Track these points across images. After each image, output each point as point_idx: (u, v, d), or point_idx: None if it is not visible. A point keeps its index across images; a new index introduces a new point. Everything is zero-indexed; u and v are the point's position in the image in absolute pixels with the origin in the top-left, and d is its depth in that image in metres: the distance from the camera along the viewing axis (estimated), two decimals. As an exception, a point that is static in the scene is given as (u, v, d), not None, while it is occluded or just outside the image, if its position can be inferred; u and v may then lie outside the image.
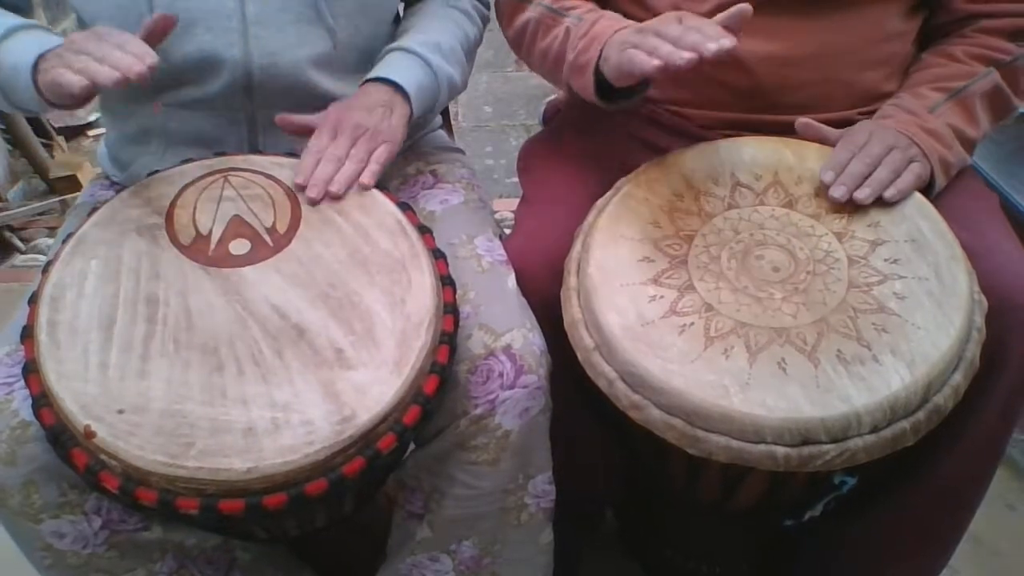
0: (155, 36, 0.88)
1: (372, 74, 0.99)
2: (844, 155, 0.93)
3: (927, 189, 0.94)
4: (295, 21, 0.97)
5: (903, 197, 0.91)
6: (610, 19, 0.98)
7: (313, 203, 0.90)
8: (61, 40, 0.88)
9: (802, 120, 0.99)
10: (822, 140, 0.98)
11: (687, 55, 0.82)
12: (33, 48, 0.87)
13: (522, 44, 1.10)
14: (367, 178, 0.93)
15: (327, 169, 0.92)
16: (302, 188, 0.91)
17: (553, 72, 1.06)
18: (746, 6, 0.88)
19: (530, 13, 1.06)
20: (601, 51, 0.94)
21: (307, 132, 0.95)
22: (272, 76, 0.97)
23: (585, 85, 0.98)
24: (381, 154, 0.95)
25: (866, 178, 0.91)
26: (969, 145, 0.98)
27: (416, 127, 1.18)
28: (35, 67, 0.86)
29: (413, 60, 1.01)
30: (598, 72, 0.95)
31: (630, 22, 0.96)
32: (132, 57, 0.80)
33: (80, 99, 0.84)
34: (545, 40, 1.04)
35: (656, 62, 0.84)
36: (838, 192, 0.90)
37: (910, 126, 0.94)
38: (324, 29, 0.98)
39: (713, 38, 0.82)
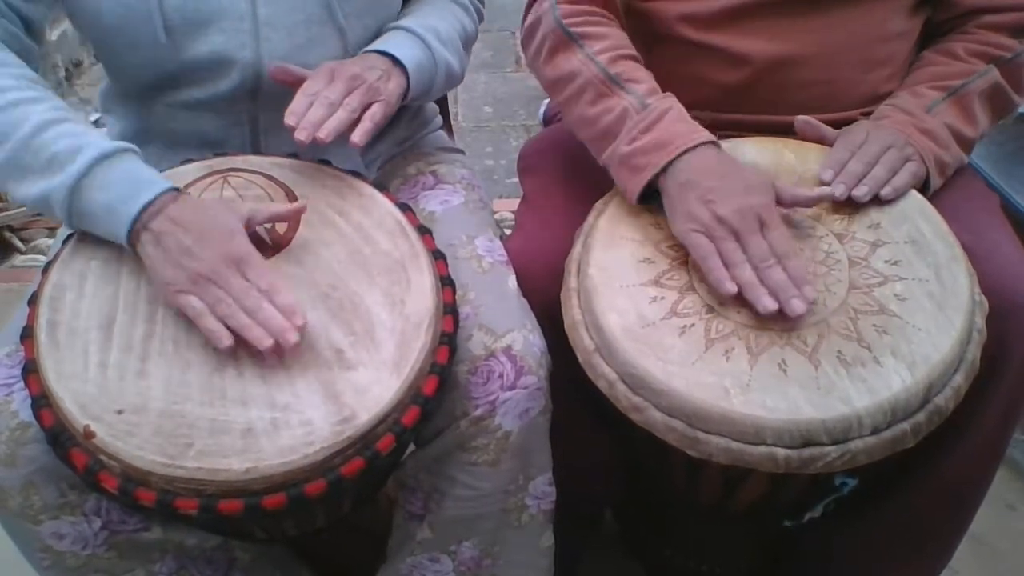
0: (290, 223, 0.87)
1: (371, 47, 0.99)
2: (843, 154, 0.93)
3: (922, 190, 0.94)
4: (306, 23, 0.96)
5: (898, 196, 0.91)
6: (677, 119, 0.91)
7: (302, 146, 0.87)
8: (162, 184, 0.80)
9: (801, 118, 0.99)
10: (821, 139, 0.98)
11: (769, 304, 0.80)
12: (133, 197, 0.79)
13: (561, 93, 1.00)
14: (358, 136, 0.89)
15: (319, 112, 0.88)
16: (292, 129, 0.86)
17: (593, 143, 0.97)
18: (826, 191, 0.90)
19: (579, 65, 0.96)
20: (668, 165, 0.88)
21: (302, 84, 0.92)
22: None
23: (631, 187, 0.91)
24: (376, 112, 0.92)
25: (864, 177, 0.91)
26: (967, 144, 0.98)
27: (416, 127, 1.19)
28: (136, 220, 0.79)
29: (412, 39, 1.00)
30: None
31: (699, 129, 0.91)
32: (283, 320, 0.76)
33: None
34: (595, 108, 0.95)
35: (731, 288, 0.82)
36: (837, 190, 0.90)
37: (906, 127, 0.94)
38: (335, 30, 0.98)
39: (798, 290, 0.80)
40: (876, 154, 0.92)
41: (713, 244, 0.84)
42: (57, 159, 0.79)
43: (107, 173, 0.80)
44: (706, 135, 0.90)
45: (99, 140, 0.81)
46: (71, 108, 0.85)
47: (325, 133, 0.87)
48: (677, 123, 0.91)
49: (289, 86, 0.92)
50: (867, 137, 0.93)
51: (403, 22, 1.03)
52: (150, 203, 0.79)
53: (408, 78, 0.97)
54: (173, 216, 0.79)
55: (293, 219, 0.88)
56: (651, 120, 0.91)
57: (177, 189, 0.82)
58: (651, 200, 0.92)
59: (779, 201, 0.87)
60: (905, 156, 0.92)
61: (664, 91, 0.95)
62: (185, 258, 0.77)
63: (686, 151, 0.88)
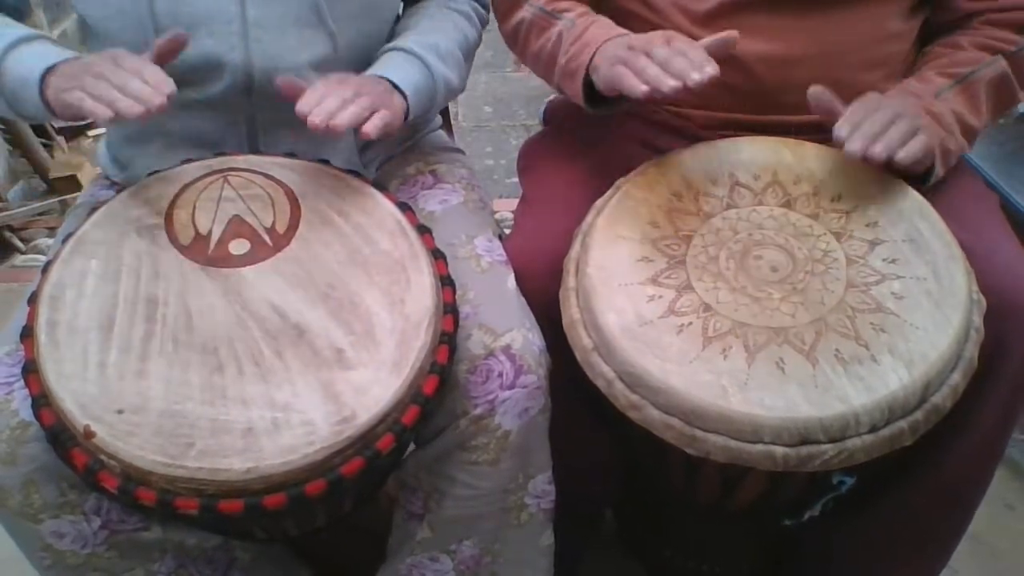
0: (166, 56, 0.88)
1: (370, 72, 0.99)
2: (858, 114, 0.90)
3: (925, 177, 0.93)
4: (296, 24, 0.96)
5: (911, 161, 0.88)
6: (601, 26, 1.00)
7: (315, 128, 0.85)
8: (68, 53, 0.89)
9: (816, 87, 0.95)
10: (832, 112, 0.95)
11: (672, 83, 0.85)
12: (40, 61, 0.88)
13: (516, 43, 1.12)
14: (371, 128, 0.88)
15: (333, 102, 0.87)
16: (304, 116, 0.86)
17: (546, 74, 1.08)
18: (734, 33, 0.92)
19: (524, 13, 1.07)
20: (592, 58, 0.96)
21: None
22: (272, 80, 0.97)
23: (575, 90, 1.00)
24: (386, 115, 0.91)
25: (879, 136, 0.88)
26: (971, 133, 0.97)
27: (416, 127, 1.19)
28: (43, 80, 0.87)
29: (411, 61, 1.00)
30: (587, 78, 0.97)
31: (621, 30, 0.98)
32: (151, 88, 0.82)
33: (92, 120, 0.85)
34: (538, 42, 1.06)
35: (644, 87, 0.87)
36: (855, 145, 0.87)
37: (915, 106, 0.93)
38: (325, 33, 0.98)
39: (698, 66, 0.85)
40: (889, 119, 0.90)
41: (627, 67, 0.90)
42: None
43: (22, 53, 0.89)
44: (623, 31, 0.98)
45: (15, 30, 0.91)
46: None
47: (340, 120, 0.86)
48: (599, 28, 1.00)
49: (293, 99, 0.92)
50: (880, 104, 0.91)
51: (400, 42, 1.03)
52: (59, 63, 0.87)
53: (407, 102, 0.97)
54: (75, 60, 0.88)
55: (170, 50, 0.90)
56: (579, 31, 1.00)
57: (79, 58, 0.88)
58: (609, 103, 0.99)
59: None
60: (916, 127, 0.90)
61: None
62: (75, 69, 0.85)
63: (605, 41, 0.96)
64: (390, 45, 1.03)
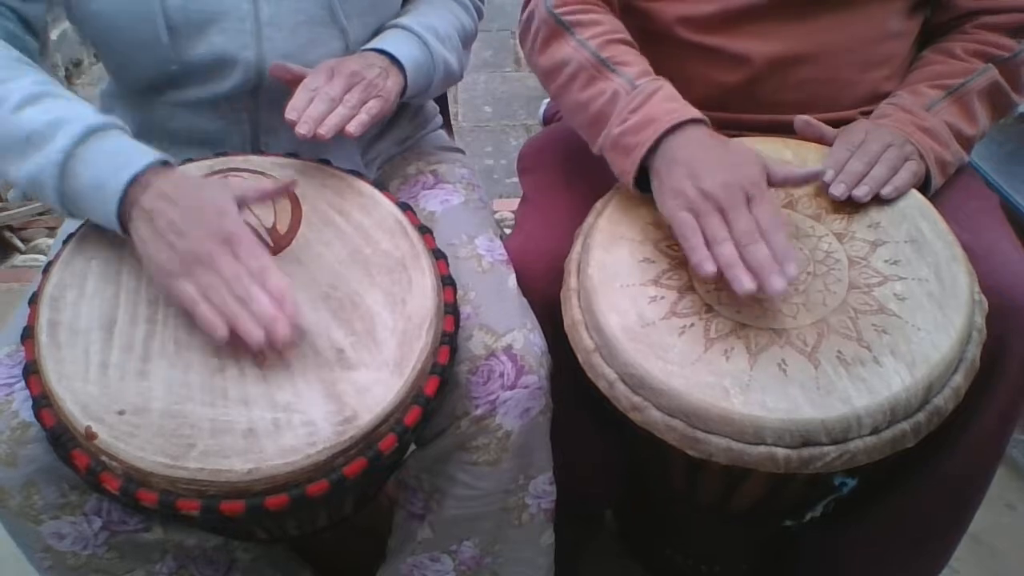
0: (292, 223, 0.87)
1: (369, 46, 0.99)
2: (842, 153, 0.93)
3: (924, 188, 0.94)
4: (308, 22, 0.96)
5: (899, 195, 0.91)
6: (667, 98, 0.91)
7: (303, 139, 0.87)
8: (150, 157, 0.78)
9: (801, 118, 0.99)
10: (820, 139, 0.98)
11: (747, 284, 0.78)
12: (122, 169, 0.77)
13: (554, 81, 1.00)
14: (354, 127, 0.89)
15: (320, 107, 0.88)
16: (293, 124, 0.87)
17: (586, 129, 0.97)
18: (821, 170, 0.89)
19: (571, 52, 0.96)
20: (656, 143, 0.88)
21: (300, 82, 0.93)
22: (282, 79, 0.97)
23: (624, 168, 0.91)
24: (373, 106, 0.92)
25: (864, 176, 0.91)
26: (967, 143, 0.98)
27: (416, 127, 1.19)
28: (124, 198, 0.76)
29: (410, 37, 1.01)
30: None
31: (688, 107, 0.90)
32: (274, 310, 0.74)
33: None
34: (586, 92, 0.95)
35: (711, 269, 0.79)
36: (838, 190, 0.90)
37: (906, 125, 0.94)
38: (337, 30, 0.98)
39: (779, 267, 0.78)
40: (876, 153, 0.92)
41: (697, 221, 0.83)
42: (40, 135, 0.76)
43: (95, 147, 0.77)
44: (695, 112, 0.89)
45: (86, 113, 0.79)
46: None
47: (326, 129, 0.87)
48: (666, 102, 0.90)
49: (288, 84, 0.93)
50: (867, 136, 0.93)
51: (401, 21, 1.03)
52: (140, 173, 0.76)
53: (406, 76, 0.98)
54: (164, 191, 0.77)
55: (283, 194, 0.89)
56: (640, 100, 0.90)
57: (167, 162, 0.79)
58: (648, 187, 0.91)
59: (770, 180, 0.86)
60: (905, 155, 0.92)
61: None
62: (176, 237, 0.75)
63: (674, 127, 0.87)
64: (389, 24, 1.03)
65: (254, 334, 0.73)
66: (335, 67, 0.92)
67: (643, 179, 0.91)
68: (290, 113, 0.88)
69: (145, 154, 0.78)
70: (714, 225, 0.81)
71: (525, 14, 1.05)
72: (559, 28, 0.98)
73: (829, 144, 0.97)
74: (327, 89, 0.90)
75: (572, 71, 0.96)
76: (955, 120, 0.96)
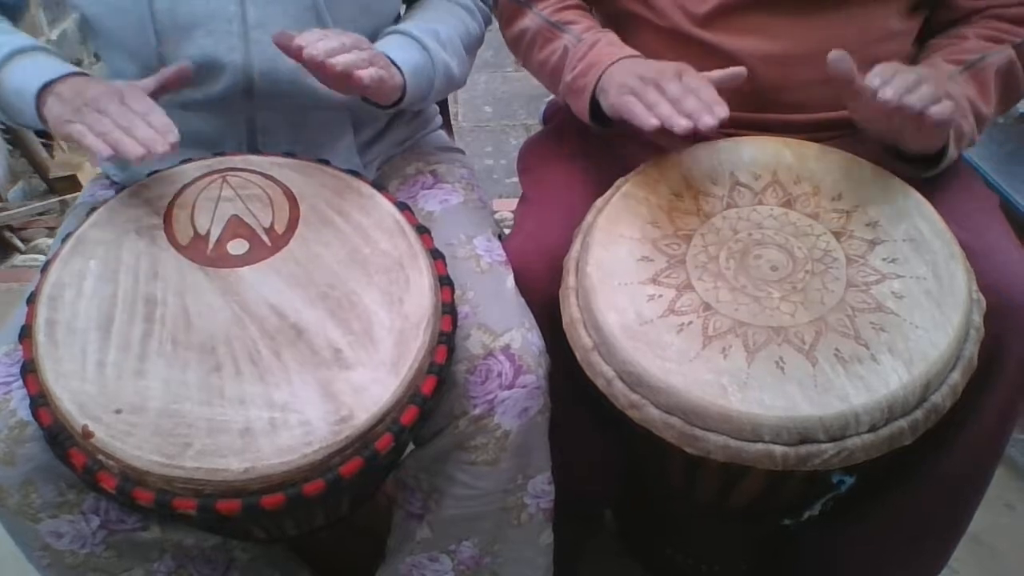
0: (172, 86, 0.89)
1: None
2: (888, 72, 0.86)
3: (937, 159, 0.92)
4: (296, 25, 0.95)
5: (943, 120, 0.84)
6: (608, 44, 1.01)
7: (312, 61, 0.85)
8: (66, 68, 0.88)
9: (837, 52, 0.89)
10: (850, 78, 0.89)
11: (684, 123, 0.87)
12: (36, 76, 0.87)
13: (519, 50, 1.13)
14: (365, 74, 0.86)
15: (331, 43, 0.86)
16: (300, 50, 0.85)
17: (550, 86, 1.09)
18: (741, 69, 0.95)
19: (528, 21, 1.08)
20: (599, 79, 0.98)
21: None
22: (273, 81, 0.97)
23: (580, 108, 1.02)
24: (381, 71, 0.89)
25: (910, 88, 0.85)
26: (981, 120, 0.96)
27: (416, 127, 1.19)
28: (39, 96, 0.86)
29: (410, 42, 1.00)
30: (593, 97, 0.99)
31: (629, 49, 1.00)
32: (155, 133, 0.81)
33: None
34: (543, 52, 1.07)
35: (654, 121, 0.89)
36: (889, 93, 0.84)
37: (937, 79, 0.89)
38: None
39: (709, 108, 0.87)
40: (916, 81, 0.86)
41: (636, 97, 0.92)
42: None
43: (21, 63, 0.89)
44: (632, 51, 1.00)
45: (15, 39, 0.91)
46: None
47: (336, 60, 0.85)
48: (607, 47, 1.01)
49: (291, 55, 0.88)
50: (905, 68, 0.88)
51: (401, 26, 1.03)
52: (56, 80, 0.86)
53: (404, 81, 0.97)
54: (74, 83, 0.87)
55: (174, 82, 0.91)
56: (585, 48, 1.02)
57: (84, 73, 0.88)
58: (608, 125, 1.01)
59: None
60: (941, 94, 0.86)
61: None
62: (76, 97, 0.84)
63: (613, 63, 0.98)
64: (389, 29, 1.03)
65: (136, 150, 0.80)
66: (343, 31, 0.90)
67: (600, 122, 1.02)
68: (300, 40, 0.85)
69: (65, 66, 0.89)
70: (652, 94, 0.91)
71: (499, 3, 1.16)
72: (517, 6, 1.11)
73: (858, 88, 0.88)
74: (338, 36, 0.87)
75: (531, 37, 1.09)
76: (972, 94, 0.95)
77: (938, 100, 0.85)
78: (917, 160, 0.94)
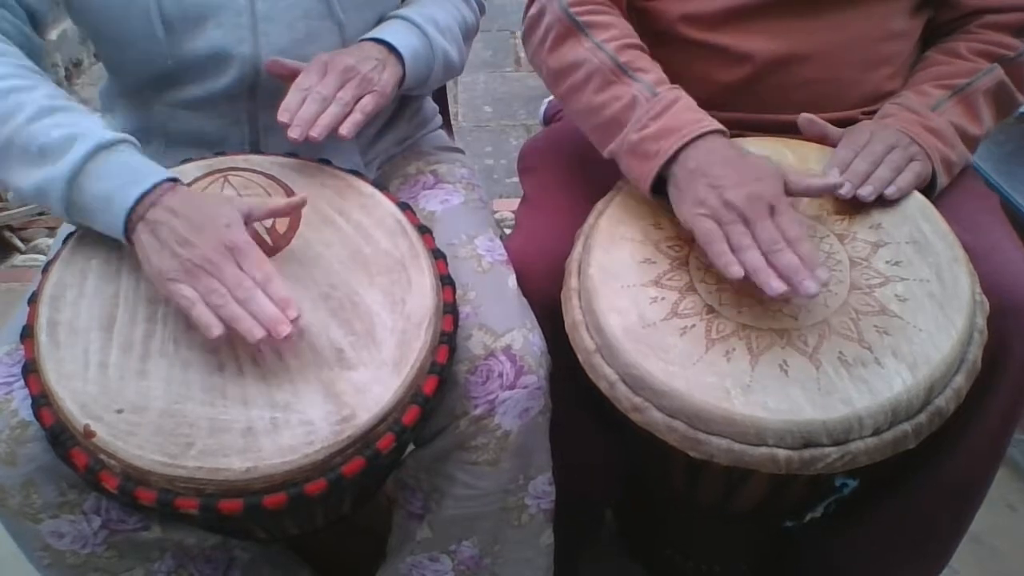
0: (279, 216, 0.86)
1: (367, 36, 0.99)
2: (847, 154, 0.92)
3: (929, 188, 0.94)
4: (305, 17, 0.96)
5: (903, 195, 0.91)
6: (687, 108, 0.91)
7: (295, 144, 0.88)
8: (161, 175, 0.79)
9: (805, 116, 0.98)
10: (824, 138, 0.98)
11: (779, 287, 0.78)
12: (131, 186, 0.77)
13: (565, 82, 0.99)
14: (346, 129, 0.89)
15: (311, 109, 0.88)
16: (285, 126, 0.88)
17: (598, 132, 0.96)
18: (838, 182, 0.88)
19: (587, 54, 0.95)
20: (677, 153, 0.88)
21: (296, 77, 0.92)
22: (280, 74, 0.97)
23: (641, 173, 0.91)
24: (367, 103, 0.92)
25: (869, 176, 0.91)
26: (972, 142, 0.98)
27: (416, 127, 1.18)
28: (131, 214, 0.77)
29: (409, 27, 1.00)
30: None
31: (708, 119, 0.90)
32: (277, 312, 0.74)
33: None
34: (601, 96, 0.94)
35: (739, 272, 0.80)
36: (843, 189, 0.89)
37: (912, 125, 0.94)
38: (334, 24, 0.98)
39: (810, 273, 0.78)
40: (881, 154, 0.91)
41: (720, 229, 0.83)
42: (52, 148, 0.77)
43: (105, 163, 0.78)
44: (716, 124, 0.89)
45: (97, 129, 0.79)
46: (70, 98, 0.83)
47: (318, 131, 0.88)
48: (687, 111, 0.90)
49: (283, 80, 0.93)
50: (871, 137, 0.93)
51: (401, 11, 1.03)
52: (147, 192, 0.77)
53: (404, 66, 0.97)
54: (171, 206, 0.77)
55: (293, 214, 0.88)
56: (661, 108, 0.90)
57: (176, 179, 0.80)
58: (660, 192, 0.91)
59: (788, 190, 0.86)
60: (910, 155, 0.92)
61: None
62: (180, 247, 0.75)
63: (696, 138, 0.87)
64: (389, 15, 1.03)
65: (255, 332, 0.73)
66: (329, 62, 0.92)
67: (657, 185, 0.91)
68: (282, 115, 0.88)
69: (156, 172, 0.79)
70: (739, 233, 0.82)
71: (533, 11, 1.03)
72: (573, 28, 0.97)
73: (832, 143, 0.96)
74: (320, 88, 0.90)
75: (587, 73, 0.95)
76: (960, 120, 0.96)
77: (905, 164, 0.91)
78: None
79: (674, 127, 0.89)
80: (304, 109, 0.89)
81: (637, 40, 0.98)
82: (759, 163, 0.86)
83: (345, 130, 0.90)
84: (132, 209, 0.76)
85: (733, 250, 0.81)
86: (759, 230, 0.81)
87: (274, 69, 0.94)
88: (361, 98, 0.92)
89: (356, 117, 0.91)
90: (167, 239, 0.76)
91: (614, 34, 0.96)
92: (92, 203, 0.78)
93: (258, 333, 0.73)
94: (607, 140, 0.94)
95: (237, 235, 0.77)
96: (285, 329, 0.74)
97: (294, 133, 0.87)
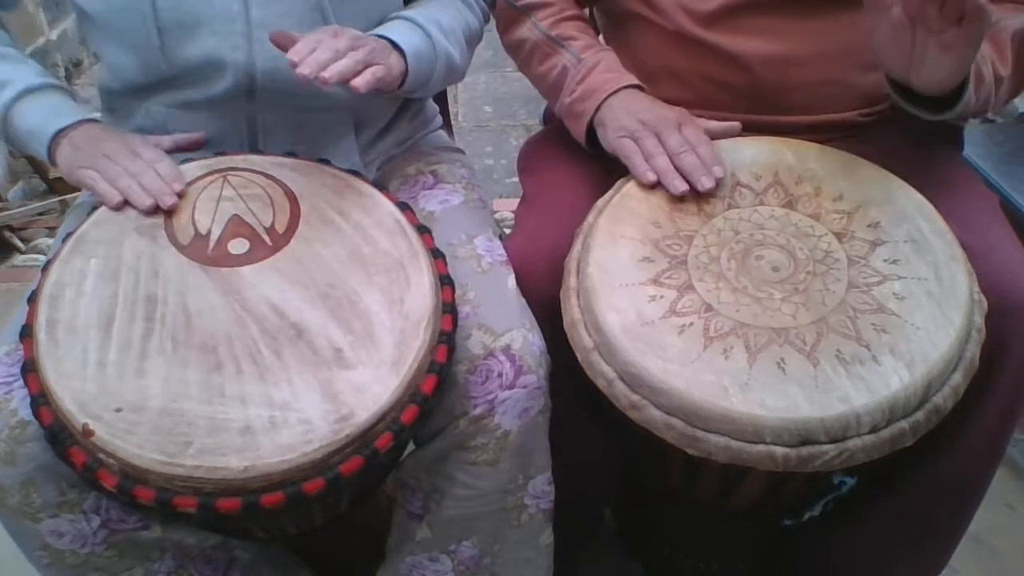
0: (184, 150, 0.94)
1: (370, 34, 0.97)
2: None
3: (959, 93, 0.87)
4: (299, 24, 0.95)
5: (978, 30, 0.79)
6: (607, 68, 1.02)
7: (304, 80, 0.84)
8: (79, 113, 0.93)
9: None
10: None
11: (681, 186, 0.92)
12: (51, 120, 0.92)
13: (518, 57, 1.14)
14: (360, 82, 0.86)
15: (324, 55, 0.85)
16: (294, 66, 0.84)
17: (547, 98, 1.11)
18: (736, 124, 1.00)
19: (527, 32, 1.09)
20: (598, 108, 0.99)
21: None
22: (274, 80, 0.97)
23: (577, 132, 1.04)
24: (378, 71, 0.89)
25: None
26: (999, 83, 0.92)
27: (416, 127, 1.18)
28: (53, 139, 0.92)
29: (412, 27, 1.00)
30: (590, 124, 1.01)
31: (628, 76, 1.01)
32: (164, 184, 0.88)
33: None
34: (542, 66, 1.08)
35: (651, 177, 0.93)
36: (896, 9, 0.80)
37: None
38: None
39: (708, 168, 0.92)
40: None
41: (636, 145, 0.95)
42: None
43: (30, 104, 0.93)
44: (632, 79, 1.01)
45: (28, 76, 0.94)
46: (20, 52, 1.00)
47: (330, 73, 0.84)
48: (606, 72, 1.02)
49: (287, 51, 0.88)
50: None
51: (404, 12, 1.02)
52: (68, 126, 0.91)
53: (406, 63, 0.96)
54: (89, 130, 0.92)
55: (193, 146, 0.98)
56: (585, 71, 1.02)
57: (96, 120, 0.93)
58: (600, 149, 1.01)
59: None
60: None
61: (662, 89, 0.95)
62: (91, 144, 0.90)
63: (612, 93, 0.99)
64: (392, 15, 1.02)
65: (144, 201, 0.86)
66: (338, 30, 0.90)
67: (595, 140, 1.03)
68: (292, 56, 0.84)
69: (77, 112, 0.94)
70: (650, 143, 0.95)
71: (498, 4, 1.16)
72: (515, 13, 1.11)
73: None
74: (330, 42, 0.87)
75: (530, 48, 1.09)
76: (990, 55, 0.91)
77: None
78: (932, 103, 0.90)
79: (595, 87, 1.01)
80: (316, 54, 0.85)
81: (573, 11, 1.10)
82: (668, 105, 0.99)
83: (358, 82, 0.86)
84: (52, 138, 0.91)
85: (646, 158, 0.94)
86: (667, 139, 0.94)
87: (279, 40, 0.90)
88: (371, 66, 0.89)
89: (367, 76, 0.87)
90: (79, 143, 0.91)
91: (549, 12, 1.09)
92: (22, 136, 0.94)
93: (147, 201, 0.86)
94: (553, 104, 1.09)
95: (138, 140, 0.92)
96: (169, 200, 0.86)
97: (304, 69, 0.83)
